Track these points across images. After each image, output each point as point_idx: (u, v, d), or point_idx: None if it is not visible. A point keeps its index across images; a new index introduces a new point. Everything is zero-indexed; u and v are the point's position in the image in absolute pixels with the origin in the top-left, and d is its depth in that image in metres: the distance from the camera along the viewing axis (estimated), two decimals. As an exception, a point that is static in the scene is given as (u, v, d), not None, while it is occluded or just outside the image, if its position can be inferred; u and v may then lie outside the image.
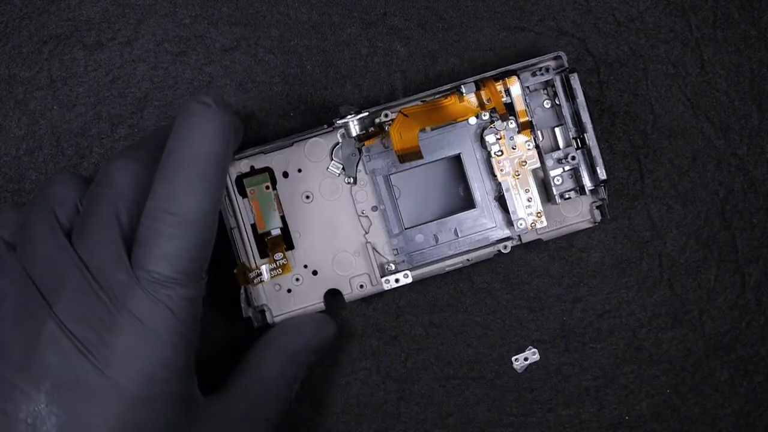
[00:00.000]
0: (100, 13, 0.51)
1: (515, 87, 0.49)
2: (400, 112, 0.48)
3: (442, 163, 0.50)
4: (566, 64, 0.48)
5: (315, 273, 0.50)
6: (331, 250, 0.50)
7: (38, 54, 0.51)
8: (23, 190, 0.50)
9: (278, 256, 0.49)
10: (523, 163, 0.49)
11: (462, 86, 0.48)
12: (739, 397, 0.53)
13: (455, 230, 0.50)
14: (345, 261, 0.50)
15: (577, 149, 0.49)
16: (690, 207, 0.52)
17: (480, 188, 0.50)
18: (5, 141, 0.51)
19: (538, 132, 0.49)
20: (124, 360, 0.39)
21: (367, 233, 0.50)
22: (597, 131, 0.49)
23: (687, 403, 0.53)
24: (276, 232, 0.49)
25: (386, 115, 0.48)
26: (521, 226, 0.49)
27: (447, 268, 0.50)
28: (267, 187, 0.49)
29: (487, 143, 0.49)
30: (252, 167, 0.49)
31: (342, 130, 0.49)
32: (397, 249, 0.49)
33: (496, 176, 0.49)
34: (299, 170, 0.49)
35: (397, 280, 0.49)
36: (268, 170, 0.49)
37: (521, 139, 0.49)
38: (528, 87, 0.49)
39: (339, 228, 0.49)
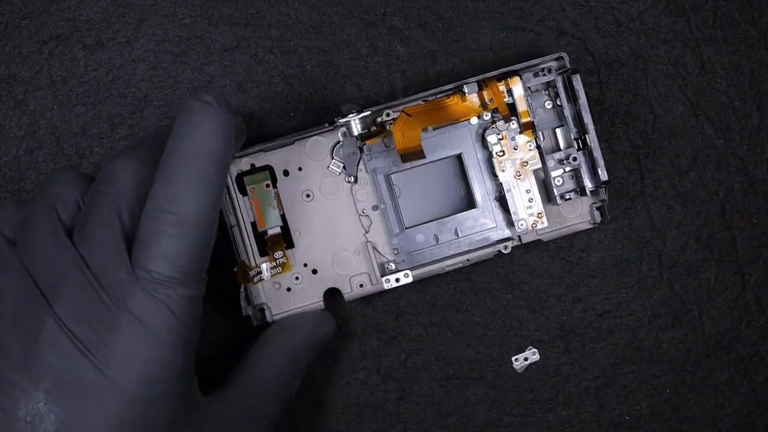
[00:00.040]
0: (100, 13, 0.51)
1: (517, 87, 0.49)
2: (402, 111, 0.48)
3: (443, 163, 0.50)
4: (568, 65, 0.48)
5: (315, 272, 0.50)
6: (331, 249, 0.50)
7: (38, 54, 0.51)
8: (23, 190, 0.50)
9: (278, 254, 0.49)
10: (525, 164, 0.49)
11: (464, 86, 0.48)
12: (739, 397, 0.53)
13: (455, 230, 0.50)
14: (345, 260, 0.50)
15: (578, 150, 0.49)
16: (690, 207, 0.52)
17: (481, 188, 0.50)
18: (5, 141, 0.51)
19: (539, 132, 0.49)
20: (123, 360, 0.39)
21: (367, 232, 0.50)
22: (597, 131, 0.49)
23: (687, 403, 0.53)
24: (276, 230, 0.49)
25: (388, 115, 0.48)
26: (522, 227, 0.49)
27: (447, 268, 0.50)
28: (267, 186, 0.49)
29: (488, 143, 0.49)
30: (252, 165, 0.49)
31: (343, 129, 0.49)
32: (397, 248, 0.49)
33: (497, 176, 0.49)
34: (300, 169, 0.49)
35: (397, 280, 0.49)
36: (268, 168, 0.49)
37: (523, 139, 0.49)
38: (530, 87, 0.49)
39: (339, 227, 0.49)
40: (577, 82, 0.48)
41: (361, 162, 0.49)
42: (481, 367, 0.52)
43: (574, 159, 0.49)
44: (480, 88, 0.49)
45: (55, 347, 0.39)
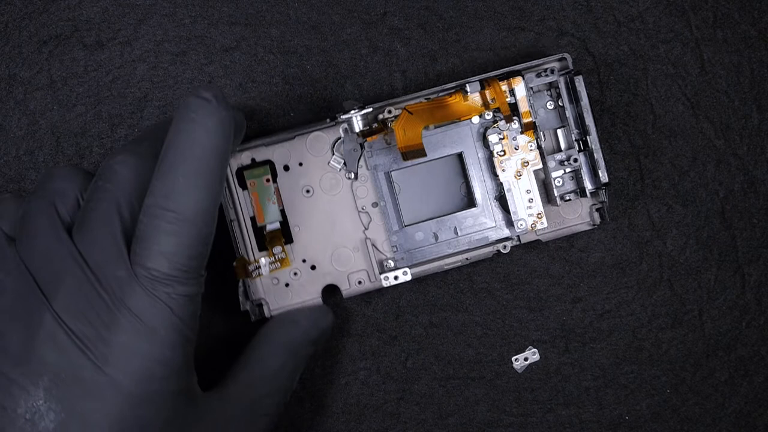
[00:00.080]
0: (100, 13, 0.51)
1: (519, 87, 0.49)
2: (404, 108, 0.48)
3: (444, 162, 0.50)
4: (570, 66, 0.48)
5: (313, 268, 0.49)
6: (330, 245, 0.49)
7: (38, 54, 0.51)
8: (23, 190, 0.50)
9: (277, 249, 0.49)
10: (526, 164, 0.49)
11: (467, 85, 0.48)
12: (739, 397, 0.53)
13: (455, 229, 0.50)
14: (344, 256, 0.49)
15: (579, 152, 0.49)
16: (690, 207, 0.52)
17: (481, 187, 0.50)
18: (5, 141, 0.51)
19: (540, 133, 0.49)
20: (122, 357, 0.39)
21: (366, 229, 0.50)
22: (597, 131, 0.49)
23: (687, 403, 0.53)
24: (275, 225, 0.49)
25: (390, 112, 0.48)
26: (522, 227, 0.49)
27: (446, 267, 0.50)
28: (267, 180, 0.49)
29: (489, 143, 0.49)
30: (253, 159, 0.49)
31: (345, 125, 0.49)
32: (396, 246, 0.49)
33: (497, 176, 0.49)
34: (300, 164, 0.49)
35: (396, 277, 0.49)
36: (269, 163, 0.49)
37: (524, 139, 0.49)
38: (532, 88, 0.49)
39: (338, 223, 0.49)
40: (580, 83, 0.48)
41: (362, 159, 0.49)
42: (481, 367, 0.52)
43: (575, 160, 0.49)
44: (482, 88, 0.49)
45: (53, 344, 0.39)
